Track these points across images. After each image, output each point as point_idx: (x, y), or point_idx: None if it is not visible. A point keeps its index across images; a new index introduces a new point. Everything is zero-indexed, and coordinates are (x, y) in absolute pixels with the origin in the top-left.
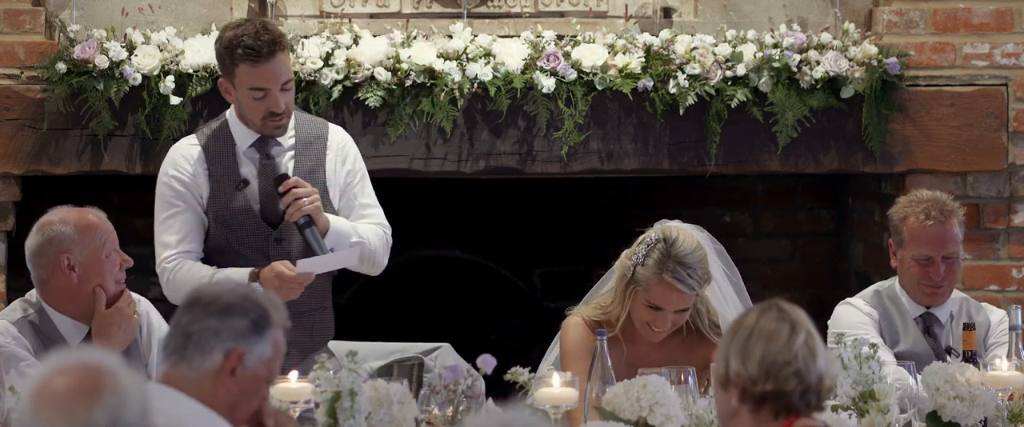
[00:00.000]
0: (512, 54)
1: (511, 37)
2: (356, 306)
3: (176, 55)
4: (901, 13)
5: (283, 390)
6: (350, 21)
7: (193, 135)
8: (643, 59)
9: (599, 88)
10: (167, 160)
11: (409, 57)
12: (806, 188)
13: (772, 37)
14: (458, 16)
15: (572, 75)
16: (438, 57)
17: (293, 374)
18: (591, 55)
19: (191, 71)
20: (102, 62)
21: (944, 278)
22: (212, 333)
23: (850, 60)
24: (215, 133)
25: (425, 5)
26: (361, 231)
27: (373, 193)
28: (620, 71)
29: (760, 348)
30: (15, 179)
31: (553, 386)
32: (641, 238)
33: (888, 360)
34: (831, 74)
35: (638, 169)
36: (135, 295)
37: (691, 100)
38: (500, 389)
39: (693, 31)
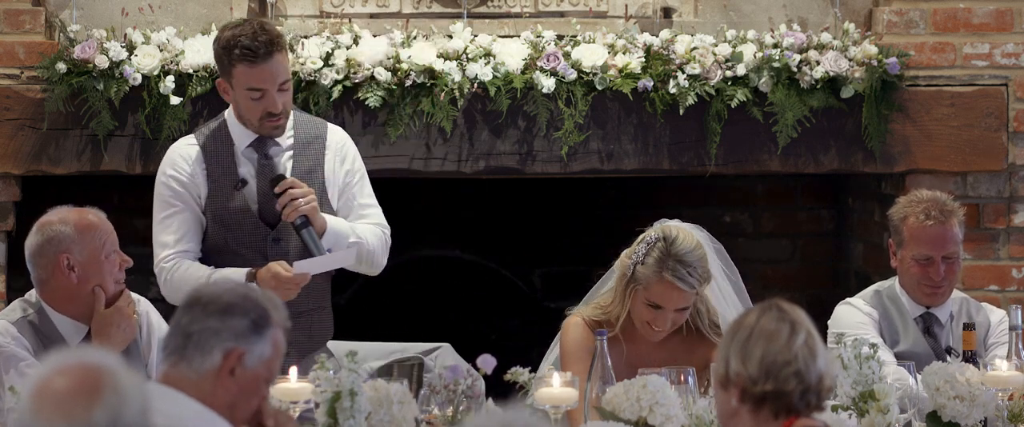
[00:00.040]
0: (512, 54)
1: (511, 37)
2: (356, 306)
3: (176, 55)
4: (901, 13)
5: (283, 390)
6: (350, 21)
7: (191, 135)
8: (643, 59)
9: (599, 88)
10: (165, 160)
11: (409, 57)
12: (806, 188)
13: (772, 37)
14: (458, 16)
15: (572, 75)
16: (438, 57)
17: (293, 374)
18: (591, 55)
19: (191, 71)
20: (102, 62)
21: (944, 278)
22: (212, 333)
23: (850, 60)
24: (214, 133)
25: (425, 5)
26: (359, 231)
27: (372, 193)
28: (620, 71)
29: (760, 348)
30: (15, 179)
31: (553, 386)
32: (641, 237)
33: (888, 360)
34: (831, 74)
35: (638, 169)
36: (135, 295)
37: (691, 100)
38: (500, 389)
39: (693, 31)
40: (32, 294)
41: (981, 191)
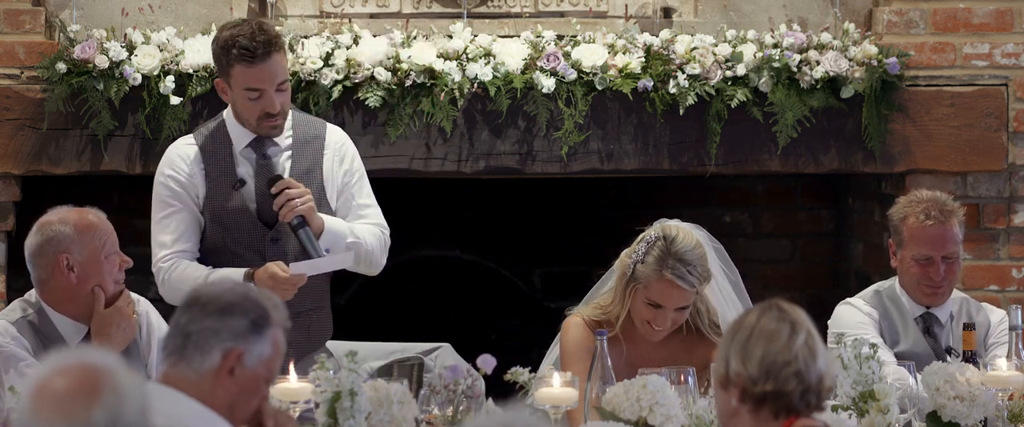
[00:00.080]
0: (512, 54)
1: (511, 37)
2: (356, 306)
3: (176, 55)
4: (901, 13)
5: (283, 390)
6: (350, 21)
7: (190, 135)
8: (643, 59)
9: (599, 88)
10: (164, 160)
11: (409, 57)
12: (806, 188)
13: (772, 37)
14: (458, 16)
15: (572, 75)
16: (438, 57)
17: (292, 374)
18: (591, 55)
19: (191, 71)
20: (102, 62)
21: (944, 278)
22: (211, 333)
23: (850, 60)
24: (212, 133)
25: (425, 5)
26: (357, 231)
27: (371, 193)
28: (620, 71)
29: (760, 348)
30: (15, 179)
31: (553, 386)
32: (641, 237)
33: (888, 360)
34: (831, 74)
35: (638, 169)
36: (135, 295)
37: (691, 100)
38: (500, 389)
39: (693, 31)
40: (32, 294)
41: (981, 191)
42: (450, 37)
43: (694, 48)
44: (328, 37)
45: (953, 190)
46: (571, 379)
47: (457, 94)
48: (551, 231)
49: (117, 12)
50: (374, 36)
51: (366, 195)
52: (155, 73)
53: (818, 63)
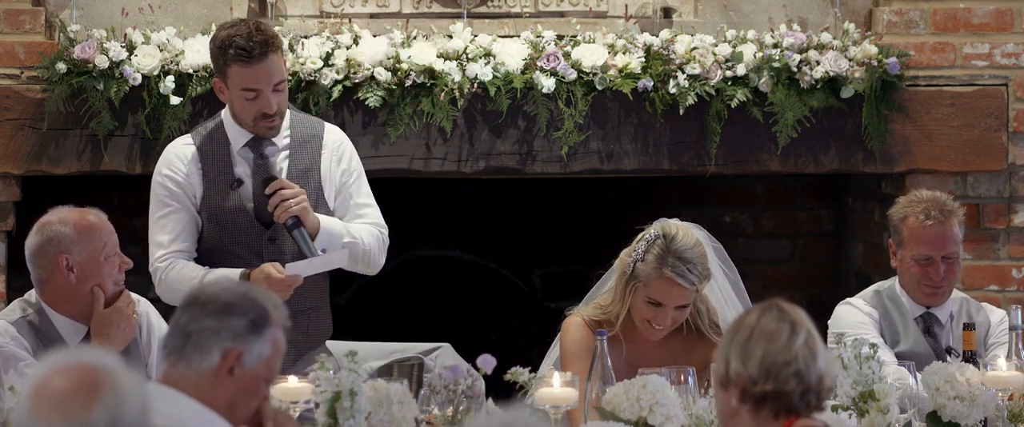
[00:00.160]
0: (512, 54)
1: (511, 37)
2: (356, 306)
3: (176, 55)
4: (901, 13)
5: (283, 390)
6: (350, 21)
7: (188, 135)
8: (643, 59)
9: (599, 88)
10: (162, 159)
11: (409, 57)
12: (806, 188)
13: (772, 37)
14: (458, 16)
15: (572, 75)
16: (438, 57)
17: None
18: (591, 55)
19: (191, 71)
20: (102, 62)
21: (944, 278)
22: (210, 333)
23: (850, 60)
24: (210, 133)
25: (425, 5)
26: (354, 231)
27: (370, 193)
28: (620, 71)
29: (760, 348)
30: (15, 179)
31: (553, 386)
32: (640, 235)
33: (888, 360)
34: (831, 74)
35: (638, 169)
36: (135, 295)
37: (691, 100)
38: (500, 389)
39: (693, 31)
40: (32, 294)
41: (981, 191)
42: (450, 37)
43: (694, 48)
44: (328, 37)
45: (953, 190)
46: (571, 379)
47: (457, 94)
48: (551, 231)
49: (117, 12)
50: (374, 36)
51: (364, 195)
52: (155, 73)
53: (818, 63)
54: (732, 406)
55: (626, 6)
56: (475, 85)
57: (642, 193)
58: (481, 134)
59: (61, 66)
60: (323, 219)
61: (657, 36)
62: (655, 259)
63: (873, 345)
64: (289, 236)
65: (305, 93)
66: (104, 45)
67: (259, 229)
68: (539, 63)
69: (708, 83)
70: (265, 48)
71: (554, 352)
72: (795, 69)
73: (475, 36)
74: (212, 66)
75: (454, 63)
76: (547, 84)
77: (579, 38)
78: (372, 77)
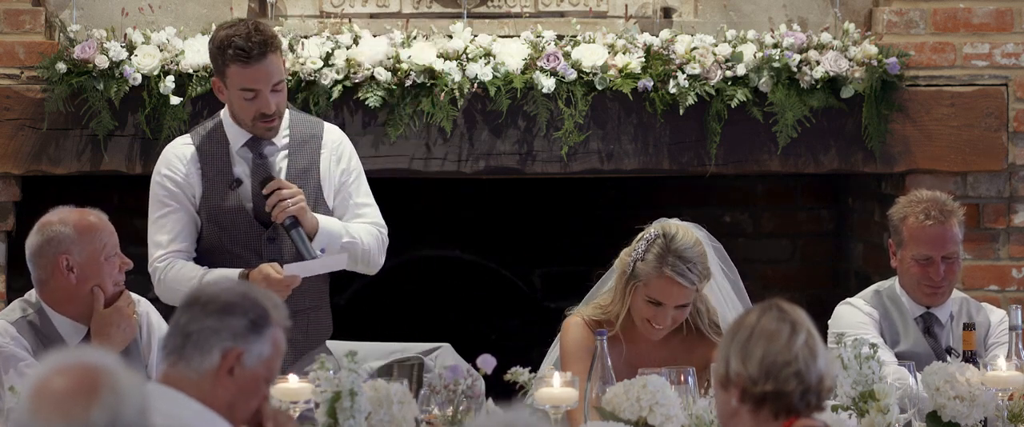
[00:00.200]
0: (512, 54)
1: (511, 37)
2: (356, 306)
3: (176, 55)
4: (901, 13)
5: (283, 390)
6: (350, 21)
7: (187, 135)
8: (643, 59)
9: (599, 88)
10: (161, 159)
11: (409, 57)
12: (806, 188)
13: (772, 37)
14: (458, 16)
15: (572, 75)
16: (438, 57)
17: (292, 375)
18: (591, 55)
19: (191, 71)
20: (102, 62)
21: (944, 278)
22: (210, 333)
23: (850, 60)
24: (209, 133)
25: (425, 5)
26: (353, 231)
27: (369, 192)
28: (620, 71)
29: (760, 348)
30: (15, 179)
31: (553, 386)
32: (640, 235)
33: (888, 360)
34: (831, 74)
35: (638, 169)
36: (135, 295)
37: (691, 100)
38: (500, 389)
39: (693, 31)
40: (32, 294)
41: (981, 191)
42: (450, 37)
43: (694, 48)
44: (328, 37)
45: (953, 190)
46: (571, 379)
47: (457, 94)
48: (551, 231)
49: (117, 12)
50: (374, 36)
51: (364, 194)
52: (155, 73)
53: (818, 63)
54: (732, 406)
55: (626, 6)
56: (475, 85)
57: (642, 193)
58: (481, 134)
59: (61, 66)
60: (322, 219)
61: (657, 36)
62: (655, 258)
63: (873, 345)
64: (287, 236)
65: (305, 93)
66: (104, 45)
67: (258, 229)
68: (539, 63)
69: (708, 83)
70: (264, 48)
71: (554, 352)
72: (795, 69)
73: (475, 36)
74: (211, 66)
75: (454, 63)
76: (547, 84)
77: (579, 38)
78: (372, 77)
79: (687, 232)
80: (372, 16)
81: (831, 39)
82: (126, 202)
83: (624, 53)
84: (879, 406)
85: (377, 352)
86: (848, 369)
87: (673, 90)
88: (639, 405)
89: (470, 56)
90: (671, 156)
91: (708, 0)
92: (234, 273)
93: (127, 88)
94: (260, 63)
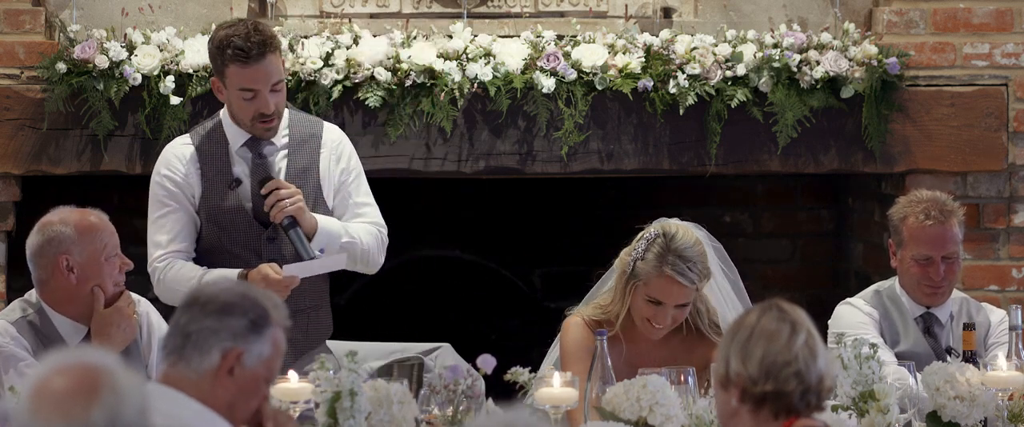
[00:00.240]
0: (512, 54)
1: (511, 37)
2: (356, 306)
3: (176, 55)
4: (901, 13)
5: (283, 390)
6: (350, 21)
7: (187, 135)
8: (643, 59)
9: (599, 88)
10: (160, 159)
11: (409, 57)
12: (806, 188)
13: (772, 37)
14: (458, 16)
15: (572, 75)
16: (438, 57)
17: (292, 374)
18: (591, 55)
19: (191, 71)
20: (102, 62)
21: (944, 278)
22: (210, 333)
23: (850, 60)
24: (209, 133)
25: (425, 5)
26: (352, 231)
27: (369, 192)
28: (620, 71)
29: (760, 348)
30: (15, 179)
31: (553, 386)
32: (640, 234)
33: (888, 360)
34: (831, 74)
35: (638, 169)
36: (135, 295)
37: (691, 100)
38: (500, 389)
39: (693, 31)
40: (32, 294)
41: (981, 191)
42: (450, 37)
43: (694, 48)
44: (328, 37)
45: (953, 190)
46: (571, 379)
47: (457, 94)
48: (551, 231)
49: (117, 12)
50: (374, 36)
51: (363, 194)
52: (155, 73)
53: (818, 63)
54: (732, 406)
55: (626, 6)
56: (475, 85)
57: (642, 193)
58: (481, 134)
59: (61, 66)
60: (321, 219)
61: (657, 36)
62: (655, 257)
63: (873, 345)
64: (285, 236)
65: (305, 93)
66: (104, 45)
67: (258, 229)
68: (539, 63)
69: (708, 83)
70: (263, 48)
71: (554, 352)
72: (795, 69)
73: (475, 36)
74: (210, 66)
75: (454, 63)
76: (547, 84)
77: (579, 38)
78: (372, 77)
79: (687, 232)
80: (372, 16)
81: (831, 39)
82: (126, 202)
83: (624, 53)
84: (879, 406)
85: (377, 352)
86: (848, 369)
87: (673, 90)
88: (639, 405)
89: (470, 56)
90: (671, 156)
91: (708, 0)
92: (233, 273)
93: (127, 88)
94: (259, 63)
